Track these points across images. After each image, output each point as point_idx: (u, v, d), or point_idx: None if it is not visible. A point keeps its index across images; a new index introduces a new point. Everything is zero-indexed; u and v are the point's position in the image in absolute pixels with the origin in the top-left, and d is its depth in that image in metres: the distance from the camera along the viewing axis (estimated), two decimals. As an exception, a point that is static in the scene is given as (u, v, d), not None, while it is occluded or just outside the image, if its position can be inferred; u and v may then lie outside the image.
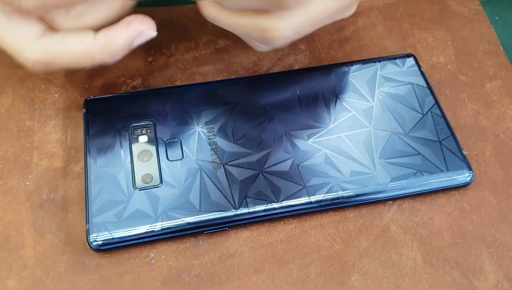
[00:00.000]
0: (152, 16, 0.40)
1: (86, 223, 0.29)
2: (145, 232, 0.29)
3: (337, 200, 0.30)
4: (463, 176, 0.32)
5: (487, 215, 0.32)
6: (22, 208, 0.31)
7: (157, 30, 0.39)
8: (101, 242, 0.28)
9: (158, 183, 0.30)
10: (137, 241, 0.29)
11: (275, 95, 0.34)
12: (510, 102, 0.36)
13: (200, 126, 0.33)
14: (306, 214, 0.31)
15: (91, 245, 0.28)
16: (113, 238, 0.28)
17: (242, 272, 0.29)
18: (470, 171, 0.32)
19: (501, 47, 0.40)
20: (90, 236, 0.28)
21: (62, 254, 0.29)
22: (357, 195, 0.31)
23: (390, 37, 0.40)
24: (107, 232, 0.28)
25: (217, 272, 0.29)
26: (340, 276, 0.29)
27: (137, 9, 0.40)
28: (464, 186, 0.32)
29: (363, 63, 0.37)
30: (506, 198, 0.32)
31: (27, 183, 0.31)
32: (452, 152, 0.33)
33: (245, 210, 0.29)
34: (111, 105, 0.33)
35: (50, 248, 0.29)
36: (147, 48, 0.38)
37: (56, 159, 0.32)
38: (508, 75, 0.38)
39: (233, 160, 0.31)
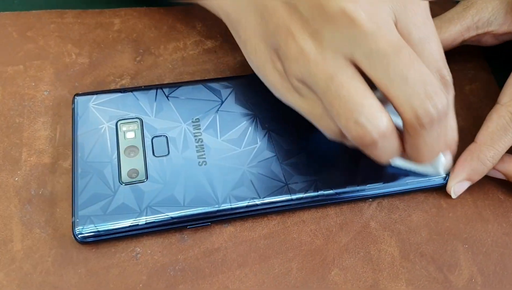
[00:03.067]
0: (142, 16, 0.40)
1: (72, 216, 0.29)
2: (130, 226, 0.29)
3: (317, 198, 0.31)
4: (440, 176, 0.33)
5: (463, 212, 0.33)
6: (11, 203, 0.31)
7: (147, 30, 0.40)
8: (86, 234, 0.29)
9: (144, 178, 0.30)
10: (122, 234, 0.29)
11: (261, 95, 0.35)
12: (488, 104, 0.37)
13: (187, 123, 0.33)
14: (288, 210, 0.32)
15: (77, 238, 0.28)
16: (98, 231, 0.29)
17: (225, 267, 0.30)
18: (448, 171, 0.33)
19: (481, 51, 0.40)
20: (76, 228, 0.28)
21: (49, 248, 0.29)
22: (337, 193, 0.31)
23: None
24: (92, 225, 0.29)
25: (202, 266, 0.30)
26: (321, 270, 0.30)
27: (127, 9, 0.41)
28: (441, 186, 0.33)
29: None
30: (481, 197, 0.33)
31: (16, 178, 0.32)
32: (430, 152, 0.33)
33: (228, 206, 0.30)
34: (99, 101, 0.33)
35: (38, 242, 0.29)
36: (136, 48, 0.38)
37: (44, 156, 0.32)
38: (487, 77, 0.39)
39: (217, 157, 0.32)
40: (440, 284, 0.30)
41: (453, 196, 0.32)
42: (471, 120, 0.37)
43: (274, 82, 0.30)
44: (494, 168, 0.32)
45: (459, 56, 0.40)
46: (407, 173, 0.32)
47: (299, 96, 0.29)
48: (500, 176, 0.33)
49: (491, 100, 0.37)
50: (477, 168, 0.32)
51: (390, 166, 0.32)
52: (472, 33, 0.36)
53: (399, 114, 0.26)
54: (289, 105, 0.30)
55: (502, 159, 0.32)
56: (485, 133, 0.32)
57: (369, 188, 0.32)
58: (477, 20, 0.35)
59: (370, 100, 0.26)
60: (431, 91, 0.25)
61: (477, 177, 0.32)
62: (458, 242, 0.31)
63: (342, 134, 0.28)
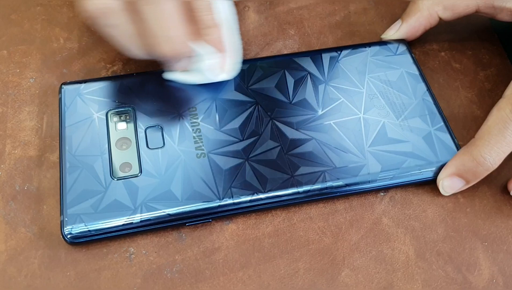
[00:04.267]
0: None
1: (61, 215, 0.27)
2: (123, 224, 0.27)
3: (326, 190, 0.29)
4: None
5: (481, 207, 0.31)
6: (-7, 199, 0.29)
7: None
8: (76, 234, 0.27)
9: (137, 172, 0.29)
10: (115, 233, 0.28)
11: (263, 81, 0.33)
12: (505, 90, 0.35)
13: (183, 112, 0.31)
14: (294, 206, 0.30)
15: (66, 238, 0.27)
16: (89, 231, 0.27)
17: (227, 268, 0.28)
18: (464, 162, 0.31)
19: (496, 35, 0.39)
20: (65, 228, 0.27)
21: (36, 249, 0.28)
22: (347, 185, 0.30)
23: (382, 22, 0.39)
24: (82, 224, 0.27)
25: (201, 267, 0.28)
26: (330, 271, 0.28)
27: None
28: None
29: (353, 48, 0.35)
30: (500, 190, 0.32)
31: (-1, 173, 0.30)
32: (445, 141, 0.32)
33: (229, 201, 0.28)
34: (89, 90, 0.32)
35: (23, 242, 0.28)
36: (128, 32, 0.37)
37: (30, 148, 0.31)
38: (503, 62, 0.37)
39: (217, 148, 0.30)
40: (459, 285, 0.28)
41: (442, 192, 0.31)
42: (486, 107, 0.35)
43: None
44: None
45: (473, 40, 0.38)
46: (420, 161, 0.31)
47: None
48: None
49: (507, 86, 0.35)
50: (469, 165, 0.30)
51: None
52: (489, 4, 0.34)
53: None
54: None
55: None
56: (483, 128, 0.30)
57: (380, 179, 0.30)
58: None
59: None
60: None
61: (471, 177, 0.30)
62: (477, 240, 0.30)
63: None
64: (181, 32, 0.29)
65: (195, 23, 0.30)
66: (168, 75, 0.32)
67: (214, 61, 0.31)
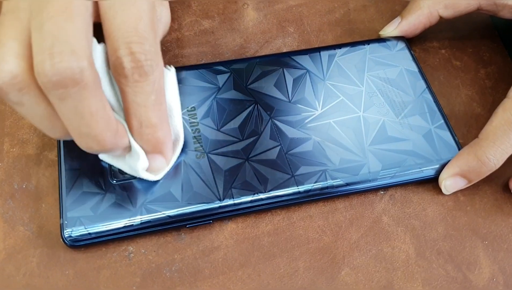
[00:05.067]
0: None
1: (60, 218, 0.27)
2: (124, 227, 0.27)
3: (326, 190, 0.29)
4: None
5: (481, 206, 0.31)
6: (-8, 198, 0.29)
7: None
8: (76, 237, 0.27)
9: None
10: (115, 236, 0.27)
11: (261, 80, 0.33)
12: (506, 88, 0.35)
13: (182, 112, 0.31)
14: (294, 204, 0.30)
15: (66, 241, 0.27)
16: (89, 234, 0.27)
17: (226, 267, 0.28)
18: (465, 160, 0.31)
19: (496, 32, 0.38)
20: (65, 231, 0.27)
21: (34, 248, 0.28)
22: (347, 184, 0.29)
23: (382, 20, 0.38)
24: (82, 227, 0.27)
25: (200, 266, 0.28)
26: (330, 270, 0.28)
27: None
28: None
29: (352, 46, 0.35)
30: (501, 189, 0.31)
31: (-3, 171, 0.30)
32: (445, 139, 0.31)
33: (230, 202, 0.28)
34: None
35: (22, 241, 0.28)
36: (127, 29, 0.36)
37: (29, 146, 0.31)
38: (504, 60, 0.37)
39: (217, 149, 0.30)
40: (459, 284, 0.28)
41: (444, 191, 0.31)
42: (487, 105, 0.35)
43: None
44: None
45: (473, 38, 0.38)
46: (420, 160, 0.30)
47: None
48: None
49: (507, 84, 0.35)
50: (473, 165, 0.30)
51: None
52: (490, 1, 0.34)
53: None
54: None
55: None
56: (488, 128, 0.30)
57: (380, 177, 0.30)
58: None
59: (12, 43, 0.22)
60: (59, 50, 0.21)
61: (474, 177, 0.30)
62: (477, 238, 0.30)
63: None
64: (108, 130, 0.24)
65: (133, 117, 0.25)
66: (102, 157, 0.28)
67: (142, 162, 0.27)
